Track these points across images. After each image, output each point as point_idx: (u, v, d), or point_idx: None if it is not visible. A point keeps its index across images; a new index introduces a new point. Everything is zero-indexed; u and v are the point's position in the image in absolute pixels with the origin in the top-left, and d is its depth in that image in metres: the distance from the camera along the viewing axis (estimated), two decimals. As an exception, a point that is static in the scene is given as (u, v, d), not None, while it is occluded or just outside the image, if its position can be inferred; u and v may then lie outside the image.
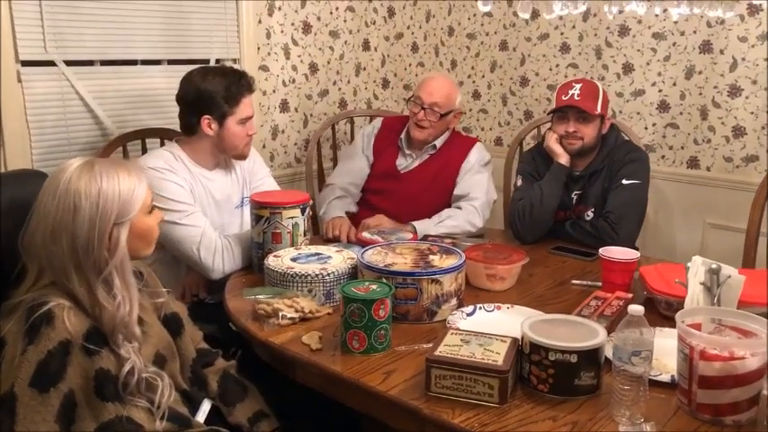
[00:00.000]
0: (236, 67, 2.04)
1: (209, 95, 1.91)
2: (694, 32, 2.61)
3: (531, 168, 2.26)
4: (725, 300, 1.41)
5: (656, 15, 2.67)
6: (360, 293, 1.38)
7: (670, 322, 1.44)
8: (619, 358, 1.15)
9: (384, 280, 1.49)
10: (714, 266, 1.42)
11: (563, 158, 2.14)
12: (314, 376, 1.41)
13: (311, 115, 2.99)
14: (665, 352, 1.31)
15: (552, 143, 2.16)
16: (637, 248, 2.17)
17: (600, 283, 1.74)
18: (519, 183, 2.25)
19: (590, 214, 2.15)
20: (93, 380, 1.19)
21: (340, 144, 3.00)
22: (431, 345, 1.31)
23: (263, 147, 2.81)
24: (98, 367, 1.19)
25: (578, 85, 2.10)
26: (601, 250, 1.74)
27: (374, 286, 1.42)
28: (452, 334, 1.34)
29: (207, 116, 1.92)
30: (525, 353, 1.26)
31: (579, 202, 2.18)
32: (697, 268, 1.43)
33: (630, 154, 2.14)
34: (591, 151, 2.16)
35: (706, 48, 2.60)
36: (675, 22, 2.64)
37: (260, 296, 1.60)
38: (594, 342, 1.23)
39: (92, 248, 1.22)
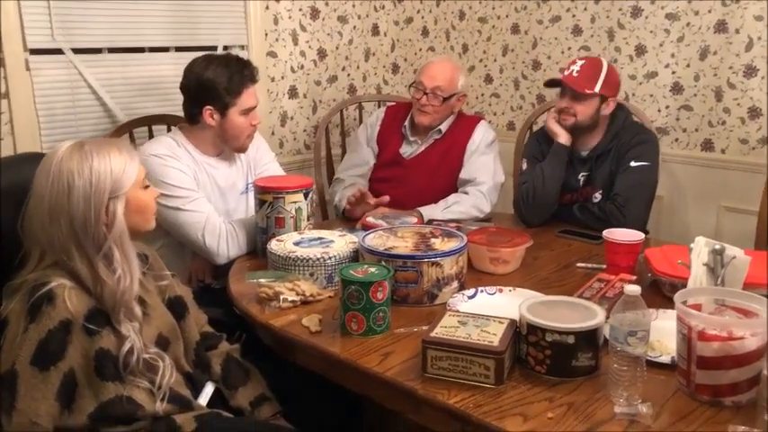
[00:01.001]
0: (241, 56, 2.03)
1: (211, 85, 1.89)
2: (709, 12, 2.55)
3: (535, 151, 2.23)
4: (729, 281, 1.39)
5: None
6: (357, 276, 1.38)
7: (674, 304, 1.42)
8: (615, 339, 1.14)
9: (383, 263, 1.49)
10: (717, 247, 1.39)
11: (563, 138, 2.11)
12: (313, 358, 1.41)
13: (320, 101, 2.98)
14: (667, 333, 1.29)
15: (551, 123, 2.14)
16: (647, 231, 2.15)
17: (604, 266, 1.72)
18: (524, 166, 2.23)
19: (597, 197, 2.12)
20: (93, 359, 1.20)
21: (349, 130, 2.99)
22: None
23: (273, 133, 2.82)
24: (98, 347, 1.21)
25: (581, 62, 2.07)
26: (605, 232, 1.72)
27: (372, 269, 1.42)
28: (450, 315, 1.33)
29: (209, 106, 1.91)
30: (523, 334, 1.25)
31: (586, 185, 2.15)
32: (700, 249, 1.41)
33: (639, 136, 2.10)
34: (587, 129, 2.12)
35: (721, 27, 2.54)
36: (689, 1, 2.58)
37: (262, 279, 1.61)
38: (592, 323, 1.21)
39: (89, 225, 1.24)
